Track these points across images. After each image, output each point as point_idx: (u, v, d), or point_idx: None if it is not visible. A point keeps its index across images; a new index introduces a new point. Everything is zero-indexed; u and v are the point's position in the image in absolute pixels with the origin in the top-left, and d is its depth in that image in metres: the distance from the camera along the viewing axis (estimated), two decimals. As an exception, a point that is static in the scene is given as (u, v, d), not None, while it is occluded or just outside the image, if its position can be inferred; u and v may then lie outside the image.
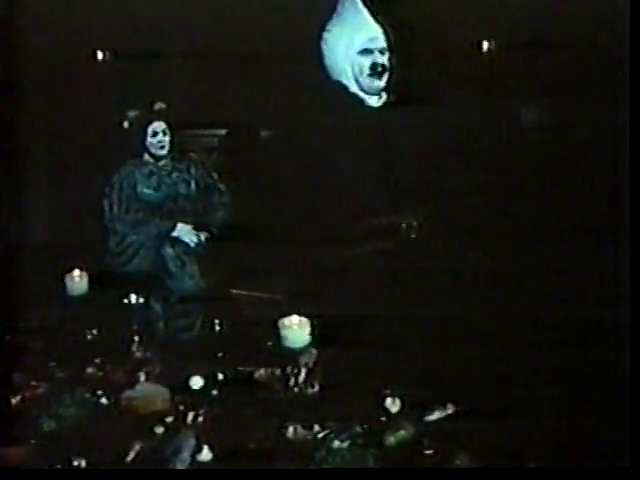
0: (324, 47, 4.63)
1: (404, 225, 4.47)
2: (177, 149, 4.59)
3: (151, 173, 4.52)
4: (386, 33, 4.55)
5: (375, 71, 4.57)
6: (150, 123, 4.49)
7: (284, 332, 3.90)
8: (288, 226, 4.30)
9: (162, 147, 4.51)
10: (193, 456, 3.33)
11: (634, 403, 3.03)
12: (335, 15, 4.65)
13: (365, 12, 4.59)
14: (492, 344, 3.84)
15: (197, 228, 4.49)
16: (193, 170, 4.60)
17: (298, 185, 4.48)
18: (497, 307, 3.99)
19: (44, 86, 4.70)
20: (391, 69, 4.57)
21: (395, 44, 4.55)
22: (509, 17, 4.68)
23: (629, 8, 3.36)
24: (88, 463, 3.31)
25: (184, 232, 4.44)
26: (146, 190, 4.51)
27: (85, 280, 4.42)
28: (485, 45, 4.95)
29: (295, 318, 3.90)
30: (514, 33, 4.80)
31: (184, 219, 4.48)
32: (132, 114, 4.60)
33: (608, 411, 3.29)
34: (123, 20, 4.83)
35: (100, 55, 5.17)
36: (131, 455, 3.36)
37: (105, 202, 4.49)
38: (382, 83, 4.60)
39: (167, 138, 4.51)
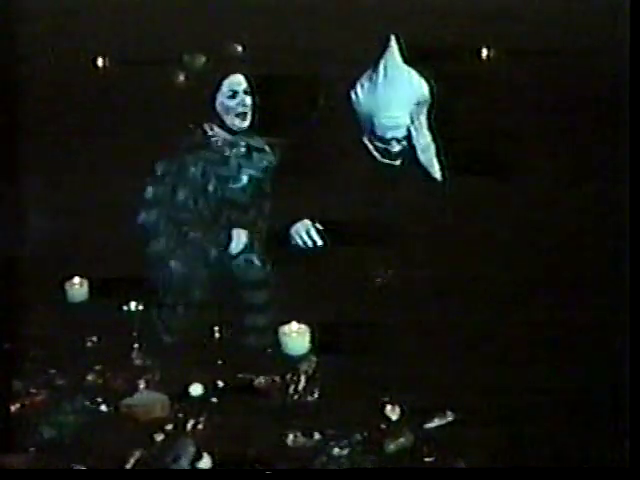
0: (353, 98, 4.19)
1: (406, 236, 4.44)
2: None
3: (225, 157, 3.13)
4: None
5: (385, 156, 4.23)
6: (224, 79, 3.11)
7: (284, 339, 3.89)
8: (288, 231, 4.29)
9: (244, 115, 3.18)
10: (193, 464, 3.33)
11: (634, 404, 3.03)
12: (374, 74, 4.13)
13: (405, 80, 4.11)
14: (492, 351, 3.84)
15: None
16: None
17: (302, 192, 4.45)
18: (497, 313, 3.99)
19: (45, 90, 4.71)
20: (407, 151, 4.22)
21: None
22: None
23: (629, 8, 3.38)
24: (87, 470, 3.31)
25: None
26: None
27: (85, 287, 4.40)
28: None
29: (295, 325, 3.90)
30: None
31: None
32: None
33: (608, 411, 3.29)
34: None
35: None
36: (130, 462, 3.35)
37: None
38: (395, 162, 4.24)
39: (249, 100, 3.15)
